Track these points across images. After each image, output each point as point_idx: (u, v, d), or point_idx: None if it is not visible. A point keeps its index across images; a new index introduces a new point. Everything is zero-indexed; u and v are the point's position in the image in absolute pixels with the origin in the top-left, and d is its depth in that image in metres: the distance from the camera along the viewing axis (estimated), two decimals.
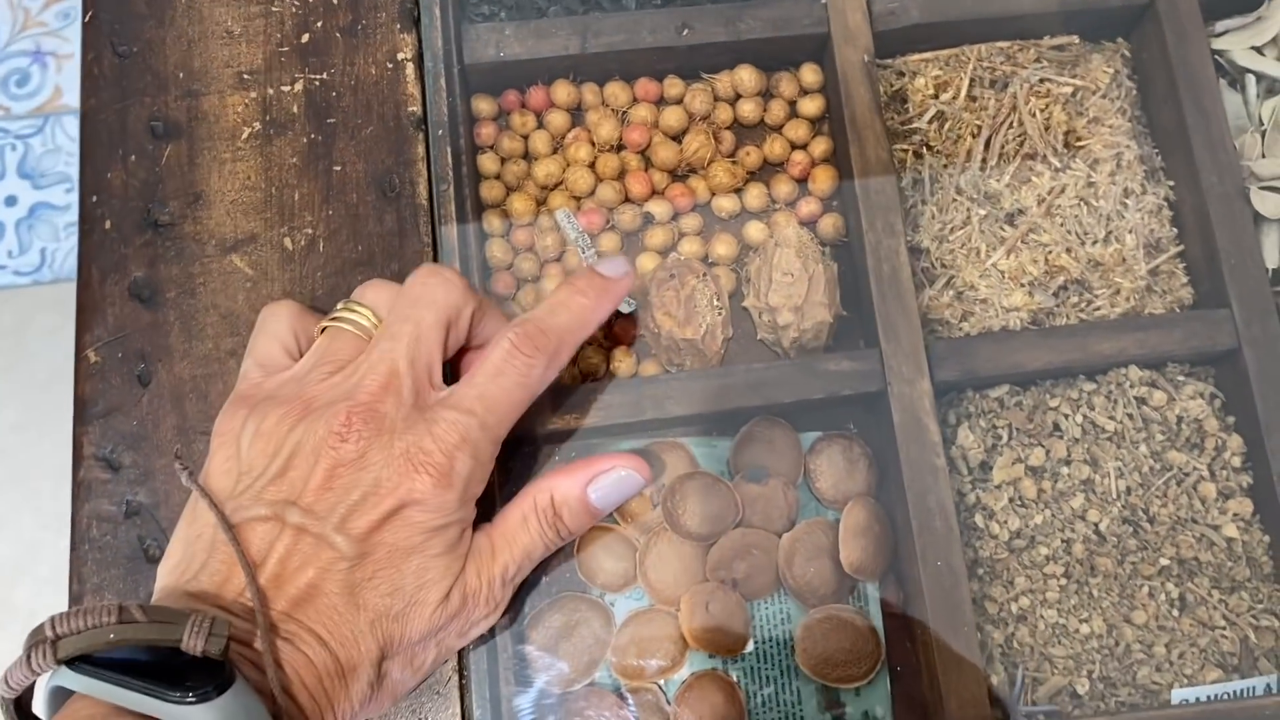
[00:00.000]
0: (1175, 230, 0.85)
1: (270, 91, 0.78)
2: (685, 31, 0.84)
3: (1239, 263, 0.81)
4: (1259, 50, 0.86)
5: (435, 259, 0.77)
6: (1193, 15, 0.85)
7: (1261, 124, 0.85)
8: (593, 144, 0.85)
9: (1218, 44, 0.87)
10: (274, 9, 0.80)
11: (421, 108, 0.79)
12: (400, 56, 0.79)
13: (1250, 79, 0.86)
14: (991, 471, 0.79)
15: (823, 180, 0.86)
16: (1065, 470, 0.79)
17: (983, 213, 0.84)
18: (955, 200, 0.84)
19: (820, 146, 0.87)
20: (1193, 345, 0.80)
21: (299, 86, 0.78)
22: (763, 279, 0.81)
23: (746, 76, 0.86)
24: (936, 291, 0.83)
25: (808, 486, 0.80)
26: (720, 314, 0.81)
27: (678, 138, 0.87)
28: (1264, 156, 0.84)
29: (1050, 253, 0.83)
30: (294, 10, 0.80)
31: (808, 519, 0.79)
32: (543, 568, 0.80)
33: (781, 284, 0.80)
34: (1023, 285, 0.83)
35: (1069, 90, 0.87)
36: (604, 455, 0.69)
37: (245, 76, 0.78)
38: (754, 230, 0.85)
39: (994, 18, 0.87)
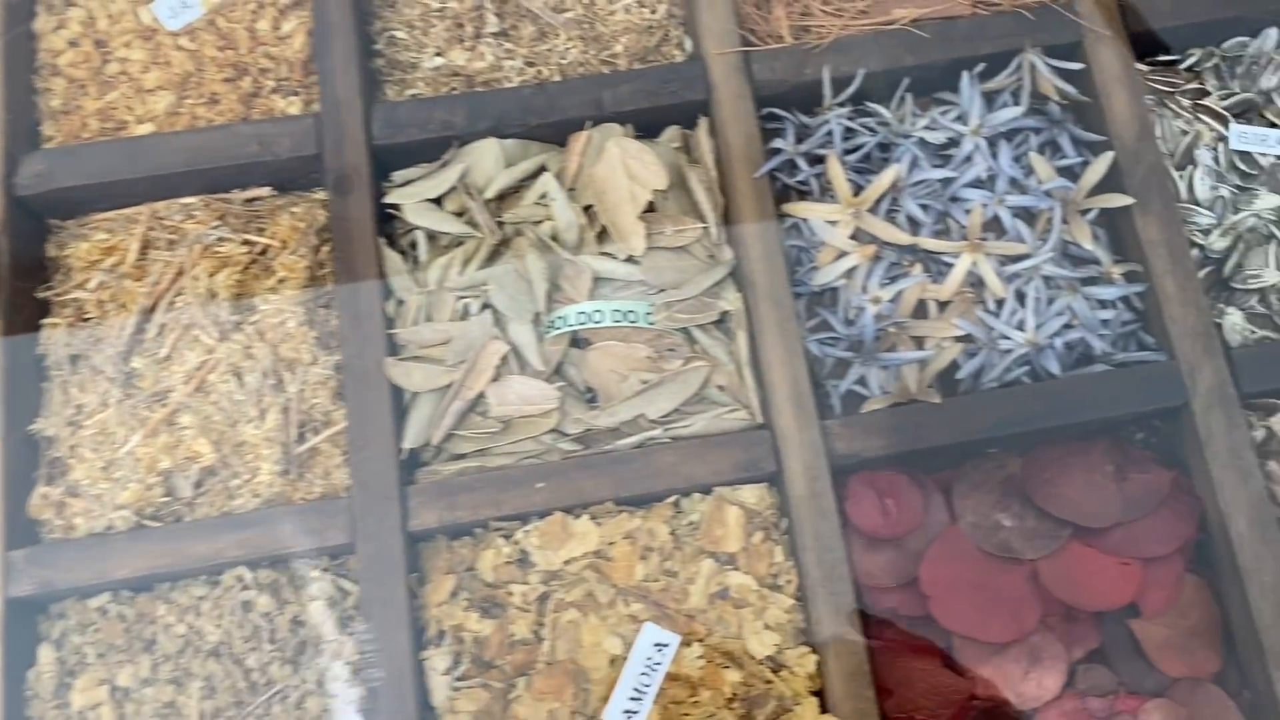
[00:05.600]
0: (341, 404, 0.77)
1: None
2: None
3: (367, 454, 0.73)
4: (437, 202, 0.79)
5: None
6: (361, 174, 0.78)
7: (426, 286, 0.77)
8: None
9: (394, 197, 0.79)
10: None
11: None
12: None
13: (420, 235, 0.79)
14: (70, 694, 0.70)
15: None
16: (149, 691, 0.70)
17: (122, 393, 0.76)
18: (94, 379, 0.77)
19: None
20: (300, 540, 0.72)
21: None
22: None
23: None
24: (49, 489, 0.75)
25: None
26: None
27: None
28: (429, 319, 0.76)
29: (191, 436, 0.75)
30: None
31: None
32: None
33: None
34: (156, 474, 0.74)
35: (245, 250, 0.80)
36: None
37: None
38: None
39: (162, 175, 0.79)
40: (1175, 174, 0.83)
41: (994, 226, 0.80)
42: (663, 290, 0.78)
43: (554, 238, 0.79)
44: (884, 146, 0.82)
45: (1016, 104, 0.82)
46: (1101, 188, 0.80)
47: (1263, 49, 0.86)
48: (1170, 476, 0.75)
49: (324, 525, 0.72)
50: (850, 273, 0.79)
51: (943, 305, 0.79)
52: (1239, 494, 0.73)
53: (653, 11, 0.86)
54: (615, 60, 0.85)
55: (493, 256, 0.78)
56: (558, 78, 0.84)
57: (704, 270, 0.78)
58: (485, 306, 0.77)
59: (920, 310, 0.79)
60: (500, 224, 0.79)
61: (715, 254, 0.79)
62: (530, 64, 0.84)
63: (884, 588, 0.74)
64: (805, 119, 0.83)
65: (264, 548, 0.72)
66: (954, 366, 0.78)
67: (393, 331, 0.76)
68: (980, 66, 0.82)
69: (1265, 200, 0.82)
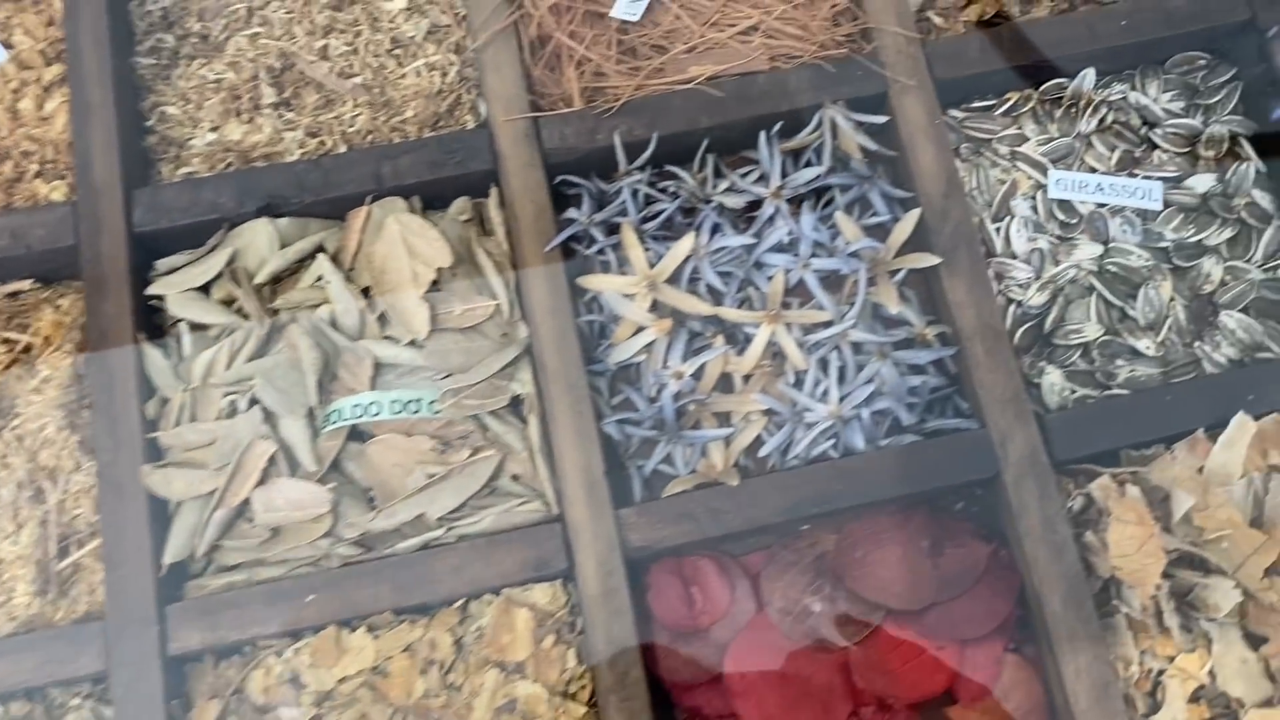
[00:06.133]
0: (100, 517, 0.72)
1: None
2: None
3: (123, 572, 0.68)
4: (206, 290, 0.74)
5: None
6: (118, 266, 0.73)
7: (190, 383, 0.72)
8: None
9: (157, 287, 0.74)
10: None
11: None
12: None
13: (183, 328, 0.73)
14: None
15: None
16: None
17: None
18: None
19: None
20: (49, 670, 0.67)
21: None
22: None
23: None
24: None
25: None
26: None
27: None
28: (194, 419, 0.71)
29: None
30: None
31: None
32: None
33: None
34: None
35: (4, 349, 0.74)
36: None
37: None
38: None
39: None
40: (992, 226, 0.80)
41: (802, 291, 0.76)
42: (450, 374, 0.73)
43: (332, 323, 0.74)
44: (688, 211, 0.78)
45: (820, 161, 0.78)
46: (912, 245, 0.76)
47: (1081, 90, 0.83)
48: (988, 551, 0.72)
49: (76, 652, 0.66)
50: (650, 347, 0.75)
51: (747, 378, 0.75)
52: (1052, 569, 0.69)
53: (444, 75, 0.81)
54: (405, 126, 0.80)
55: (265, 347, 0.73)
56: (344, 147, 0.79)
57: (495, 351, 0.74)
58: (254, 402, 0.72)
59: (726, 384, 0.75)
60: (275, 311, 0.74)
61: (510, 333, 0.75)
62: (313, 134, 0.79)
63: (689, 685, 0.70)
64: (604, 185, 0.79)
65: (10, 680, 0.66)
66: (761, 441, 0.74)
67: (154, 435, 0.71)
68: (778, 125, 0.78)
69: (1085, 250, 0.79)
